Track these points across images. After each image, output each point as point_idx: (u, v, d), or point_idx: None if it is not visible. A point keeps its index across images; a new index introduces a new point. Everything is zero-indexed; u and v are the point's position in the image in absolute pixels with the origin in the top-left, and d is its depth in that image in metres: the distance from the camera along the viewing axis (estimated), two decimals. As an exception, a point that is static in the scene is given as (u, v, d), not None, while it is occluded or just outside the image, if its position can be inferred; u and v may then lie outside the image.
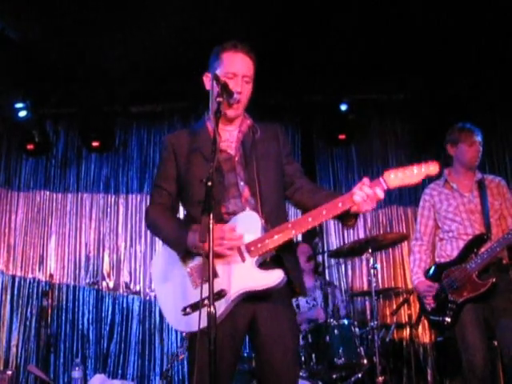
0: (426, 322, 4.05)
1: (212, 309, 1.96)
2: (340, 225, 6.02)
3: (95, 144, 6.20)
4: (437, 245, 3.88)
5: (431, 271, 3.77)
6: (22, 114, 5.94)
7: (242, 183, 2.40)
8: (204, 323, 2.03)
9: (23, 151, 6.36)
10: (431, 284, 3.68)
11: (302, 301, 5.01)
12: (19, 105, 5.92)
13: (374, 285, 4.08)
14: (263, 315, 2.31)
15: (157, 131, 6.52)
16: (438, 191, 3.82)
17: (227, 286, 2.22)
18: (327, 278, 5.96)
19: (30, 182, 6.52)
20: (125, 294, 6.21)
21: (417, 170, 2.26)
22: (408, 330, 5.49)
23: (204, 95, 2.58)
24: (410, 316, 5.23)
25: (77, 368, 5.17)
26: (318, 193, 2.48)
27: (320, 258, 6.00)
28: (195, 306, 2.24)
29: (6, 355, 6.02)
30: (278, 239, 2.27)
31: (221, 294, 2.21)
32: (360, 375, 4.21)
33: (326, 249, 6.03)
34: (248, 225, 2.30)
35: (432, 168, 2.26)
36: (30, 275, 6.27)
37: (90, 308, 6.18)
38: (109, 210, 6.42)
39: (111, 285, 6.23)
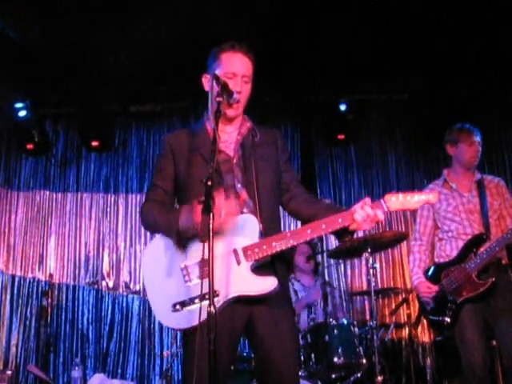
0: (425, 321, 4.06)
1: (212, 308, 1.95)
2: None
3: (95, 144, 6.21)
4: (436, 245, 3.89)
5: (430, 271, 3.78)
6: (22, 113, 5.94)
7: (239, 185, 2.39)
8: (195, 321, 2.03)
9: (23, 151, 6.36)
10: (431, 285, 3.69)
11: (297, 285, 5.03)
12: (19, 104, 5.92)
13: (373, 284, 4.08)
14: (260, 315, 2.31)
15: (156, 131, 6.51)
16: (437, 191, 3.82)
17: (219, 286, 2.21)
18: (326, 278, 5.95)
19: (30, 182, 6.52)
20: (124, 293, 6.21)
21: (418, 197, 2.31)
22: (407, 329, 5.51)
23: (203, 95, 2.58)
24: (409, 316, 5.23)
25: (76, 367, 5.19)
26: (315, 204, 2.49)
27: (319, 257, 6.00)
28: (185, 304, 2.24)
29: (5, 355, 6.02)
30: (275, 247, 2.26)
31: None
32: (359, 375, 4.22)
33: (325, 249, 6.03)
34: (246, 228, 2.29)
35: (432, 197, 2.32)
36: (30, 275, 6.27)
37: (90, 307, 6.18)
38: (108, 209, 6.42)
39: (111, 284, 6.23)
